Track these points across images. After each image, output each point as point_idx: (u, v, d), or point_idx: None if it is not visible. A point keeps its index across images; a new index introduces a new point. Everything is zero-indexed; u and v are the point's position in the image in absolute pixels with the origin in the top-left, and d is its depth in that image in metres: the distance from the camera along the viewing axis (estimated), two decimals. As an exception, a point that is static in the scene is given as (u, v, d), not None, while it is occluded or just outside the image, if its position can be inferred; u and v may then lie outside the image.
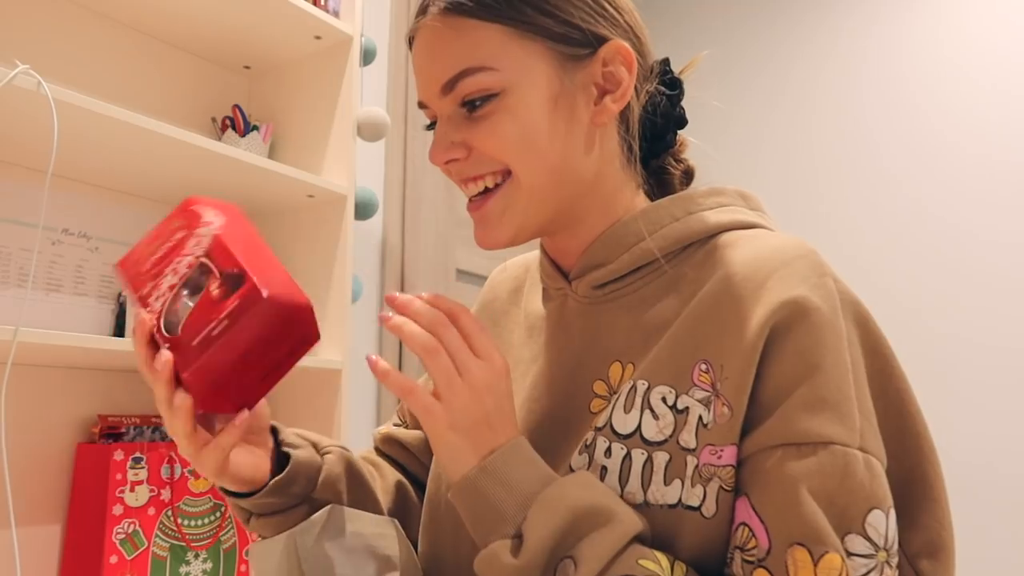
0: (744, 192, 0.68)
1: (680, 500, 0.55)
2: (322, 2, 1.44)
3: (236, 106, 1.45)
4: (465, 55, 0.59)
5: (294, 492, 0.64)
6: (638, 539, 0.52)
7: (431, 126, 0.65)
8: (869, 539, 0.51)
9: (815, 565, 0.49)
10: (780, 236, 0.60)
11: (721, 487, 0.54)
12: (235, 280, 0.54)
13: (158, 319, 0.55)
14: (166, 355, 0.54)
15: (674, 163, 0.71)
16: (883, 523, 0.51)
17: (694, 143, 0.72)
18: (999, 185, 2.23)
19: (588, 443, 0.59)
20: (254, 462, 0.62)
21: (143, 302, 0.57)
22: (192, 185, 1.34)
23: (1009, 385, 2.14)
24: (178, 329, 0.55)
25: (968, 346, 2.21)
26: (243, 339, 0.53)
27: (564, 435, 0.62)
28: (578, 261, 0.66)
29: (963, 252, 2.26)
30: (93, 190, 1.33)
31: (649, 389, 0.57)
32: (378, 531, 0.64)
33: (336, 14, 1.46)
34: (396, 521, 0.67)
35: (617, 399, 0.59)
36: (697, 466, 0.54)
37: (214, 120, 1.50)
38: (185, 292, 0.56)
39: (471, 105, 0.60)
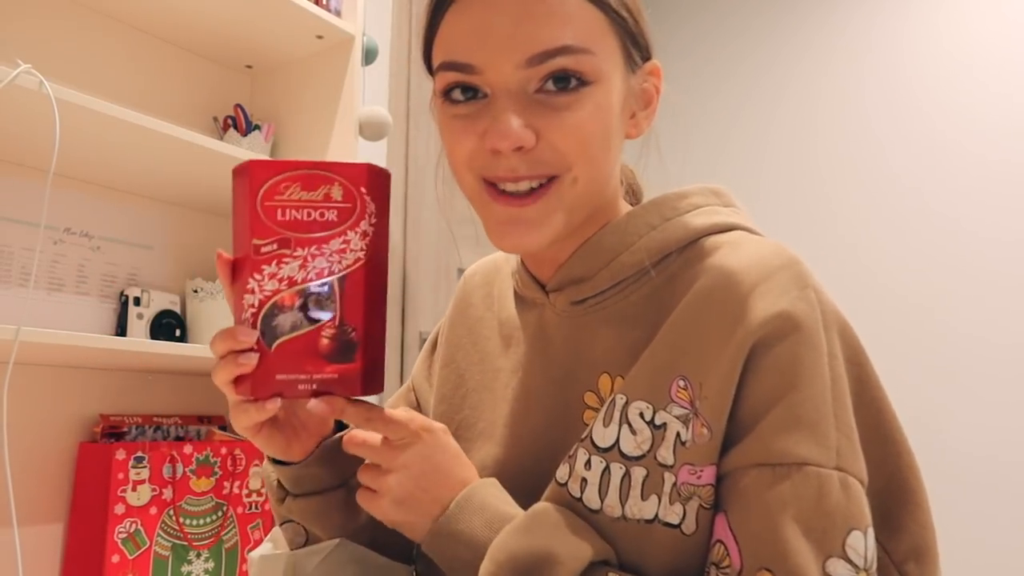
0: (715, 188, 0.66)
1: (657, 516, 0.54)
2: (324, 1, 1.43)
3: (238, 105, 1.45)
4: (570, 30, 0.53)
5: (336, 469, 0.63)
6: (593, 566, 0.52)
7: (451, 91, 0.57)
8: (850, 561, 0.50)
9: None
10: (761, 244, 0.58)
11: (701, 505, 0.53)
12: (347, 347, 0.54)
13: (262, 304, 0.52)
14: (254, 358, 0.52)
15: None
16: (862, 544, 0.51)
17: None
18: (1003, 183, 2.23)
19: (571, 454, 0.58)
20: (293, 436, 0.61)
21: (255, 259, 0.51)
22: (194, 184, 1.34)
23: (1014, 380, 2.14)
24: (274, 339, 0.52)
25: (973, 342, 2.21)
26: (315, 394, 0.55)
27: (562, 448, 0.61)
28: (555, 274, 0.63)
29: (968, 248, 2.25)
30: (95, 189, 1.33)
31: (627, 404, 0.56)
32: (387, 564, 0.63)
33: (338, 13, 1.46)
34: (411, 569, 0.67)
35: (599, 412, 0.58)
36: (675, 484, 0.54)
37: (216, 119, 1.50)
38: (299, 302, 0.52)
39: (564, 82, 0.54)
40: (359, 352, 0.54)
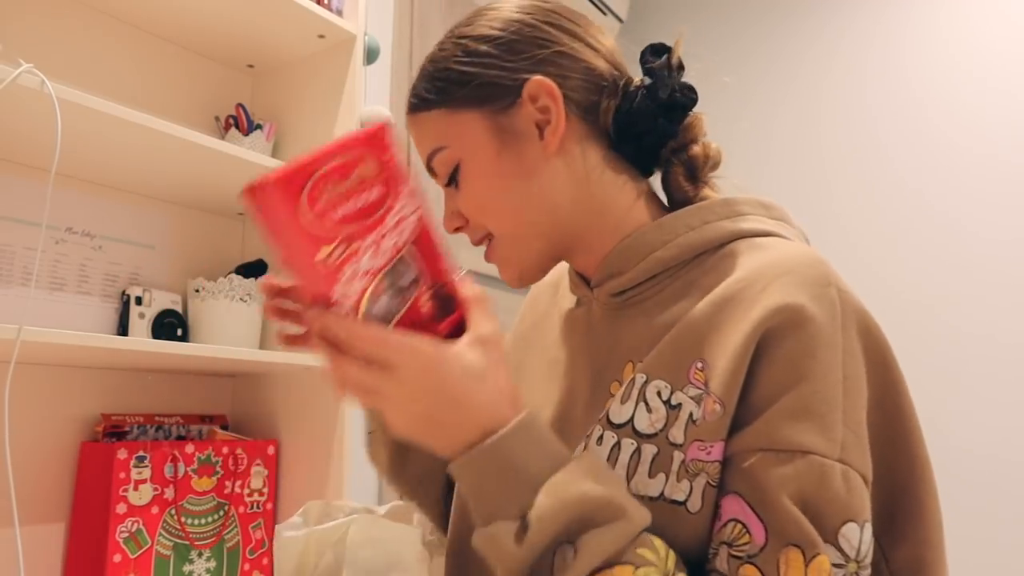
0: (766, 201, 0.68)
1: (662, 494, 0.56)
2: (326, 1, 1.43)
3: (239, 105, 1.45)
4: (428, 141, 0.68)
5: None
6: (645, 531, 0.53)
7: None
8: (840, 550, 0.52)
9: (806, 565, 0.50)
10: (791, 245, 0.61)
11: (708, 483, 0.55)
12: (445, 301, 0.56)
13: (357, 304, 0.51)
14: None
15: (682, 151, 0.69)
16: (856, 536, 0.52)
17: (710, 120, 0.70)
18: (1005, 182, 2.23)
19: (589, 433, 0.61)
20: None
21: (330, 270, 0.49)
22: (196, 184, 1.34)
23: (1016, 380, 2.13)
24: (386, 326, 0.52)
25: (976, 341, 2.20)
26: None
27: (584, 436, 0.63)
28: (597, 271, 0.69)
29: (970, 248, 2.25)
30: (96, 189, 1.33)
31: (647, 383, 0.59)
32: (399, 537, 0.65)
33: (340, 13, 1.46)
34: (420, 530, 0.69)
35: (618, 391, 0.61)
36: (684, 461, 0.55)
37: (217, 119, 1.50)
38: (388, 284, 0.52)
39: (449, 181, 0.68)
40: (455, 299, 0.56)
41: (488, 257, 0.70)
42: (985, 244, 2.23)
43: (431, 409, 0.52)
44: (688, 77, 0.69)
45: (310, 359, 1.30)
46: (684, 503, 0.55)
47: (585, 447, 0.60)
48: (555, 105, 0.64)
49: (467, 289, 0.57)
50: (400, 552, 0.63)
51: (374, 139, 0.50)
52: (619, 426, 0.59)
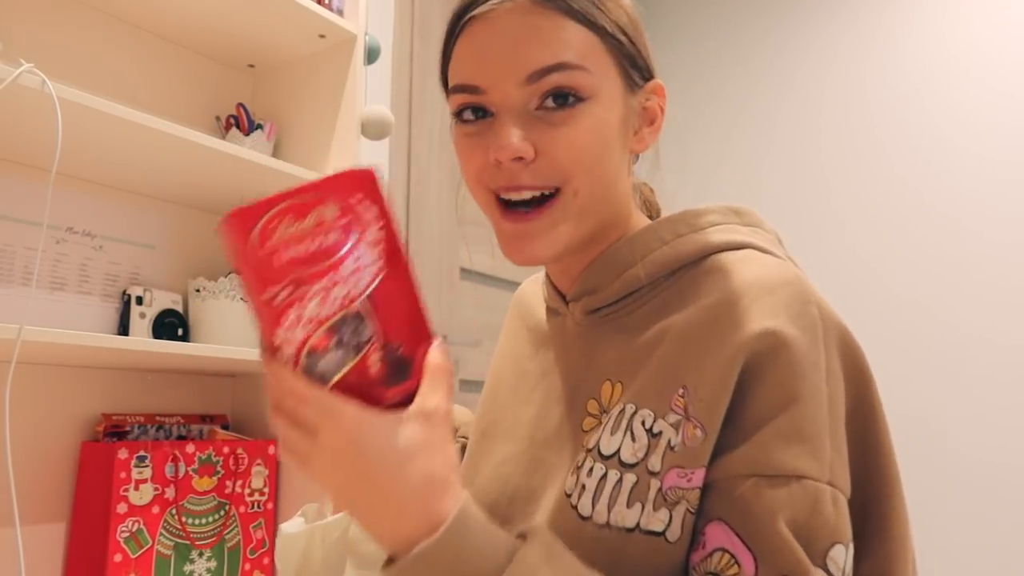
0: (738, 208, 0.68)
1: (638, 524, 0.54)
2: (326, 1, 1.43)
3: (240, 105, 1.45)
4: (563, 49, 0.57)
5: None
6: None
7: (461, 112, 0.61)
8: (828, 572, 0.51)
9: None
10: (767, 261, 0.60)
11: (688, 510, 0.53)
12: (399, 365, 0.49)
13: (298, 354, 0.47)
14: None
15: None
16: (843, 557, 0.52)
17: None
18: (1004, 183, 2.23)
19: (580, 464, 0.59)
20: None
21: (273, 312, 0.46)
22: (196, 184, 1.34)
23: (1015, 381, 2.13)
24: (324, 385, 0.47)
25: (975, 342, 2.20)
26: None
27: (559, 453, 0.63)
28: (573, 285, 0.67)
29: (969, 249, 2.25)
30: (97, 189, 1.33)
31: (635, 413, 0.57)
32: None
33: (340, 13, 1.46)
34: None
35: (608, 421, 0.59)
36: (661, 489, 0.54)
37: (218, 119, 1.50)
38: (335, 338, 0.47)
39: (562, 99, 0.57)
40: (413, 366, 0.49)
41: (531, 220, 0.59)
42: (985, 244, 2.23)
43: (350, 485, 0.46)
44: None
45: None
46: (663, 533, 0.53)
47: (577, 480, 0.58)
48: (661, 117, 0.65)
49: (431, 355, 0.49)
50: None
51: (344, 181, 0.47)
52: (608, 457, 0.57)
